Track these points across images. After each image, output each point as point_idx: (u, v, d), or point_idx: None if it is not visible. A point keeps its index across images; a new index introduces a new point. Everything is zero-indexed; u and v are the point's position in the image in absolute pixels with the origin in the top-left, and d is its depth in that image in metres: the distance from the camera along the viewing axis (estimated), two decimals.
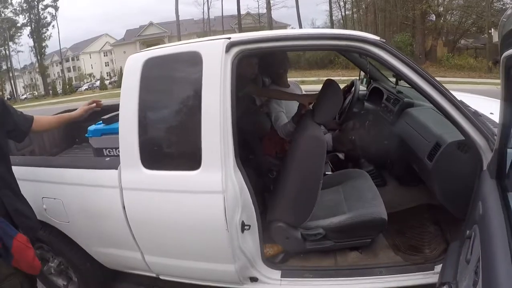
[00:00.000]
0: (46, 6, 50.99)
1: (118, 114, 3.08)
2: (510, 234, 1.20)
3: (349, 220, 2.33)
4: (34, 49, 50.29)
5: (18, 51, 54.12)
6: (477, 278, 1.19)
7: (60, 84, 48.61)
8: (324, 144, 2.23)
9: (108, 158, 2.58)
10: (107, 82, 45.29)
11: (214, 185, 1.94)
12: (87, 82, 53.14)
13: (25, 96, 47.74)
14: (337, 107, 2.55)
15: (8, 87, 58.61)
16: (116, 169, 2.15)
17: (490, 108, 2.62)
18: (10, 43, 51.62)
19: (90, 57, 60.11)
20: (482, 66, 21.12)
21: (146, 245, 2.26)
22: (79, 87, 48.65)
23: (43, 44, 49.83)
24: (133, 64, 2.13)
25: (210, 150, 1.95)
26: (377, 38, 2.05)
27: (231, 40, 2.00)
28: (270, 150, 3.04)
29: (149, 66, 2.09)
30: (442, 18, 26.23)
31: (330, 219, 2.36)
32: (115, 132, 2.88)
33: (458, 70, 21.26)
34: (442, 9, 26.56)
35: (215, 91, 1.93)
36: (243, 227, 2.02)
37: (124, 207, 2.14)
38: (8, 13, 51.50)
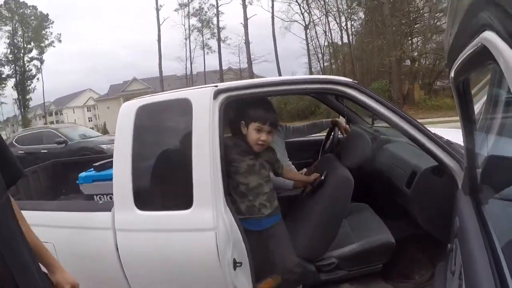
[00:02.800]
0: (32, 59, 51.59)
1: (109, 161, 3.22)
2: (486, 239, 1.28)
3: (360, 247, 2.45)
4: (18, 102, 50.38)
5: (2, 103, 54.07)
6: (461, 281, 1.27)
7: None
8: (352, 185, 2.35)
9: (101, 201, 2.66)
10: None
11: (206, 222, 2.02)
12: None
13: None
14: (366, 152, 2.64)
15: None
16: (110, 211, 2.22)
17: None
18: None
19: (74, 112, 60.55)
20: None
21: (138, 286, 2.27)
22: None
23: (27, 97, 50.05)
24: (127, 111, 2.27)
25: (201, 190, 2.04)
26: (350, 80, 2.26)
27: (218, 87, 2.18)
28: None
29: (142, 112, 2.24)
30: (417, 63, 27.36)
31: (341, 249, 2.47)
32: (106, 178, 3.00)
33: (435, 110, 21.82)
34: (416, 54, 27.77)
35: (204, 134, 2.07)
36: (235, 264, 2.06)
37: (117, 248, 2.17)
38: None
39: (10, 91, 52.30)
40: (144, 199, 2.17)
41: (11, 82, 50.88)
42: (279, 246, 2.32)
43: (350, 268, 2.48)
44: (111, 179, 2.90)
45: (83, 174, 3.18)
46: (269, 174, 2.41)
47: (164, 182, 2.31)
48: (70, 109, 59.76)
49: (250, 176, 2.29)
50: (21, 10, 50.76)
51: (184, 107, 2.15)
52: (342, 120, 3.72)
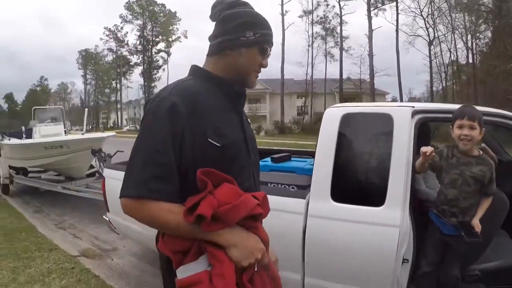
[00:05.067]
0: (159, 51, 57.23)
1: (285, 155, 3.67)
2: None
3: (501, 265, 2.65)
4: (143, 87, 55.86)
5: (128, 87, 60.47)
6: None
7: None
8: (508, 207, 2.62)
9: (293, 189, 3.10)
10: None
11: (394, 220, 2.36)
12: None
13: (127, 127, 51.94)
14: None
15: (113, 116, 64.81)
16: (304, 198, 2.63)
17: None
18: (122, 79, 57.89)
19: None
20: None
21: (312, 268, 2.61)
22: None
23: (152, 84, 55.20)
24: (333, 115, 2.71)
25: (394, 192, 2.40)
26: None
27: (415, 108, 2.54)
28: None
29: (347, 118, 2.65)
30: None
31: (483, 264, 2.67)
32: (282, 169, 3.44)
33: None
34: None
35: (403, 145, 2.44)
36: (403, 260, 2.36)
37: (304, 232, 2.55)
38: (124, 51, 58.60)
39: (136, 77, 58.17)
40: (341, 193, 2.55)
41: (138, 70, 56.84)
42: (451, 256, 2.56)
43: (489, 284, 2.63)
44: (287, 171, 3.33)
45: (260, 163, 3.60)
46: (476, 189, 2.45)
47: (361, 181, 2.69)
48: None
49: (451, 189, 2.47)
50: (151, 8, 56.15)
51: (386, 121, 2.52)
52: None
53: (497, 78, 27.41)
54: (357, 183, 2.69)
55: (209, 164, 1.23)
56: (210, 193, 1.18)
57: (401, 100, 40.63)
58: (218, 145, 1.26)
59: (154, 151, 1.19)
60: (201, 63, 1.47)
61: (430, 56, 38.19)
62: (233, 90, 1.42)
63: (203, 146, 1.24)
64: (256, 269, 1.26)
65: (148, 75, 56.28)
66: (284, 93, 44.72)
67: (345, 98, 42.45)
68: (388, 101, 46.59)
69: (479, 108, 2.53)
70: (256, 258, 1.24)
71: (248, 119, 1.62)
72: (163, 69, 57.75)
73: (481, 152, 2.50)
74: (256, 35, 1.38)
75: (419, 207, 2.93)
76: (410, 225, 2.39)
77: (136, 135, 1.28)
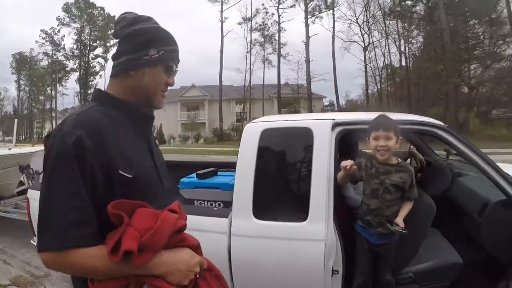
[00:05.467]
0: (97, 56, 55.15)
1: (211, 171, 3.53)
2: None
3: (434, 265, 2.72)
4: (79, 95, 53.48)
5: (63, 94, 57.71)
6: None
7: None
8: (434, 211, 2.68)
9: (215, 208, 2.97)
10: None
11: (318, 234, 2.33)
12: None
13: None
14: (447, 184, 3.15)
15: (48, 126, 61.60)
16: (226, 217, 2.53)
17: None
18: (58, 85, 55.22)
19: None
20: None
21: (241, 287, 2.52)
22: None
23: (89, 91, 52.69)
24: (252, 131, 2.63)
25: (317, 206, 2.37)
26: (442, 123, 2.60)
27: (335, 120, 2.51)
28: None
29: (266, 134, 2.58)
30: (475, 91, 26.61)
31: (416, 265, 2.73)
32: (208, 186, 3.30)
33: (491, 141, 21.00)
34: (473, 81, 27.05)
35: (323, 159, 2.41)
36: (332, 272, 2.35)
37: (229, 251, 2.46)
38: (59, 56, 55.72)
39: (72, 84, 55.70)
40: (263, 210, 2.47)
41: (74, 76, 54.46)
42: (381, 263, 2.58)
43: (422, 283, 2.71)
44: (211, 188, 3.21)
45: (185, 179, 3.41)
46: (398, 197, 2.45)
47: (282, 197, 2.63)
48: None
49: (372, 199, 2.47)
50: (90, 10, 54.19)
51: (306, 135, 2.48)
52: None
53: (429, 80, 29.00)
54: (279, 199, 2.63)
55: (122, 196, 1.15)
56: (128, 225, 1.10)
57: (338, 103, 43.41)
58: (130, 176, 1.19)
59: (67, 195, 1.09)
60: None
61: (365, 61, 40.27)
62: (140, 114, 1.36)
63: (114, 179, 1.17)
64: (197, 276, 1.24)
65: (85, 82, 54.24)
66: (223, 100, 45.00)
67: (283, 103, 44.13)
68: (325, 105, 48.80)
69: (395, 116, 2.57)
70: (195, 272, 1.22)
71: (157, 141, 1.54)
72: (100, 76, 55.72)
73: (399, 160, 2.52)
74: (160, 53, 1.30)
75: (347, 215, 2.92)
76: (335, 237, 2.37)
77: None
